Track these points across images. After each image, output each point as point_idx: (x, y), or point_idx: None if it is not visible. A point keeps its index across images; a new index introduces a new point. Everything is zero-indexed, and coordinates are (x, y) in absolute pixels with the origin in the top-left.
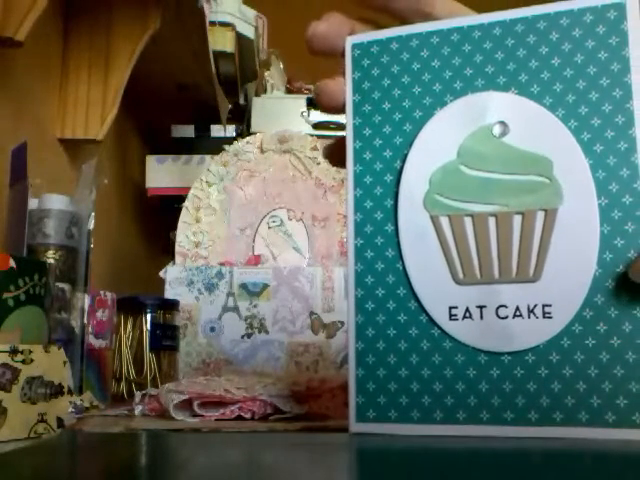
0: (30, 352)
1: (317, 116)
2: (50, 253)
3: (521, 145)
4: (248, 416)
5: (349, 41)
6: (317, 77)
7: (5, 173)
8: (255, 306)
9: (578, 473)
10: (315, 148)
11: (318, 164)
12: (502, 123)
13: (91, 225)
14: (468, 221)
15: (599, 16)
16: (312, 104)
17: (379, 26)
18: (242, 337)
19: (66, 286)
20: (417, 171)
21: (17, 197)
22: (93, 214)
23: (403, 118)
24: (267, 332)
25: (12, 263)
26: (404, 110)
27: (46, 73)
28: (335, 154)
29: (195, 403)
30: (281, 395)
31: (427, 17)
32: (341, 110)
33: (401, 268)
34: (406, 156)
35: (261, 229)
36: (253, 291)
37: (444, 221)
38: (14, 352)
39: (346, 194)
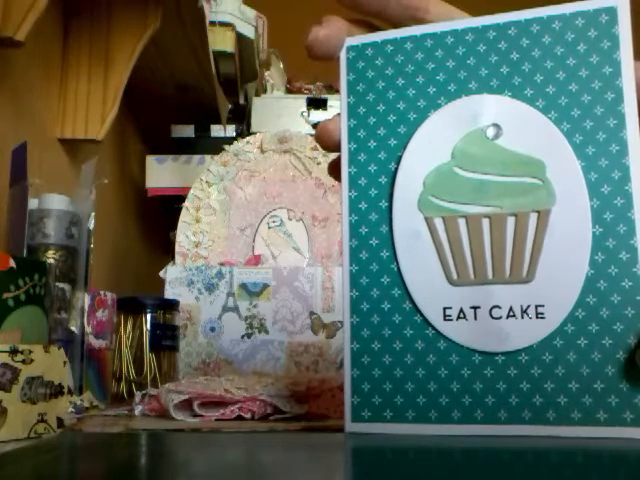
0: (30, 352)
1: (317, 116)
2: (50, 253)
3: (514, 147)
4: (248, 416)
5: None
6: (317, 77)
7: (5, 173)
8: (255, 306)
9: (571, 471)
10: (315, 148)
11: (318, 164)
12: (495, 125)
13: (91, 225)
14: (462, 222)
15: (591, 20)
16: (312, 104)
17: (376, 29)
18: (242, 337)
19: (66, 286)
20: (411, 173)
21: (17, 197)
22: (93, 214)
23: (397, 120)
24: (267, 332)
25: (12, 263)
26: (399, 112)
27: (46, 73)
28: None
29: (195, 403)
30: (281, 395)
31: (421, 23)
32: (340, 149)
33: (396, 269)
34: (400, 158)
35: (261, 229)
36: (253, 291)
37: (438, 222)
38: (14, 352)
39: (341, 196)
